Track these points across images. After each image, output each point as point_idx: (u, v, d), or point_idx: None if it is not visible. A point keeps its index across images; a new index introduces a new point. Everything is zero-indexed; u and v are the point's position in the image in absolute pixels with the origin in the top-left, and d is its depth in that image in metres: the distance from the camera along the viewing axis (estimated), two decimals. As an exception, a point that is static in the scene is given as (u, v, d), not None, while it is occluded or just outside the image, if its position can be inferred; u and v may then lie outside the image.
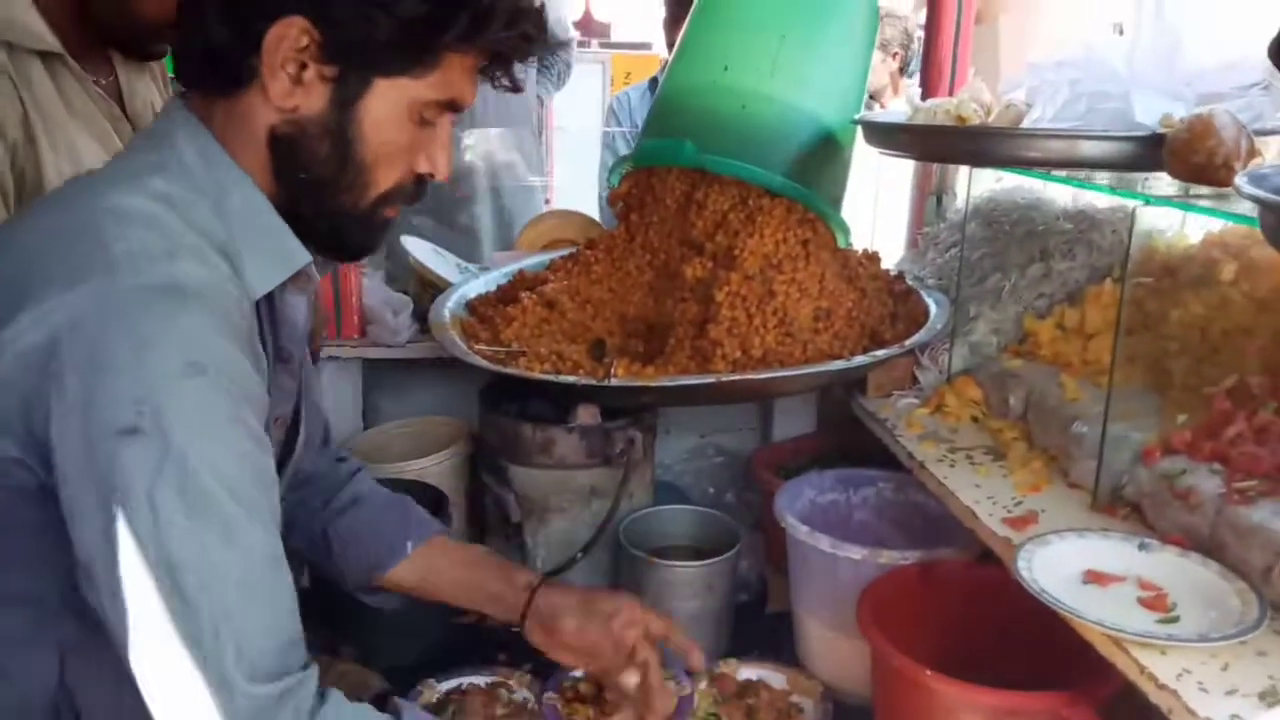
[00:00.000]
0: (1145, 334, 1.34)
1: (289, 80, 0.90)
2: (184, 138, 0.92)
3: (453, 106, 0.96)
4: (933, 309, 1.63)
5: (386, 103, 0.92)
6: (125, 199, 0.87)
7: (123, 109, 1.53)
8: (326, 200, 0.95)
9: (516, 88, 1.01)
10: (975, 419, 1.49)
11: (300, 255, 0.97)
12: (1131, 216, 1.19)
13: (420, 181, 0.99)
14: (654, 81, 2.97)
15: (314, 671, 0.87)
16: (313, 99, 0.91)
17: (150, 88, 1.60)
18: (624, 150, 2.92)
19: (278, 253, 0.95)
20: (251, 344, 0.90)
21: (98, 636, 0.84)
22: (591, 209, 2.82)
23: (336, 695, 0.89)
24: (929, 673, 1.11)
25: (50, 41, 1.39)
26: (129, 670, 0.82)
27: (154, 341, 0.80)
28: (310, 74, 0.90)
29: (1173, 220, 1.53)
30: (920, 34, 3.21)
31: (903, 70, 3.21)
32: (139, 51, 1.53)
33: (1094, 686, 1.05)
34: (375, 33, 0.89)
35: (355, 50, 0.90)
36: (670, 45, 2.85)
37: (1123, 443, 1.18)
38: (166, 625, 0.79)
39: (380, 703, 1.40)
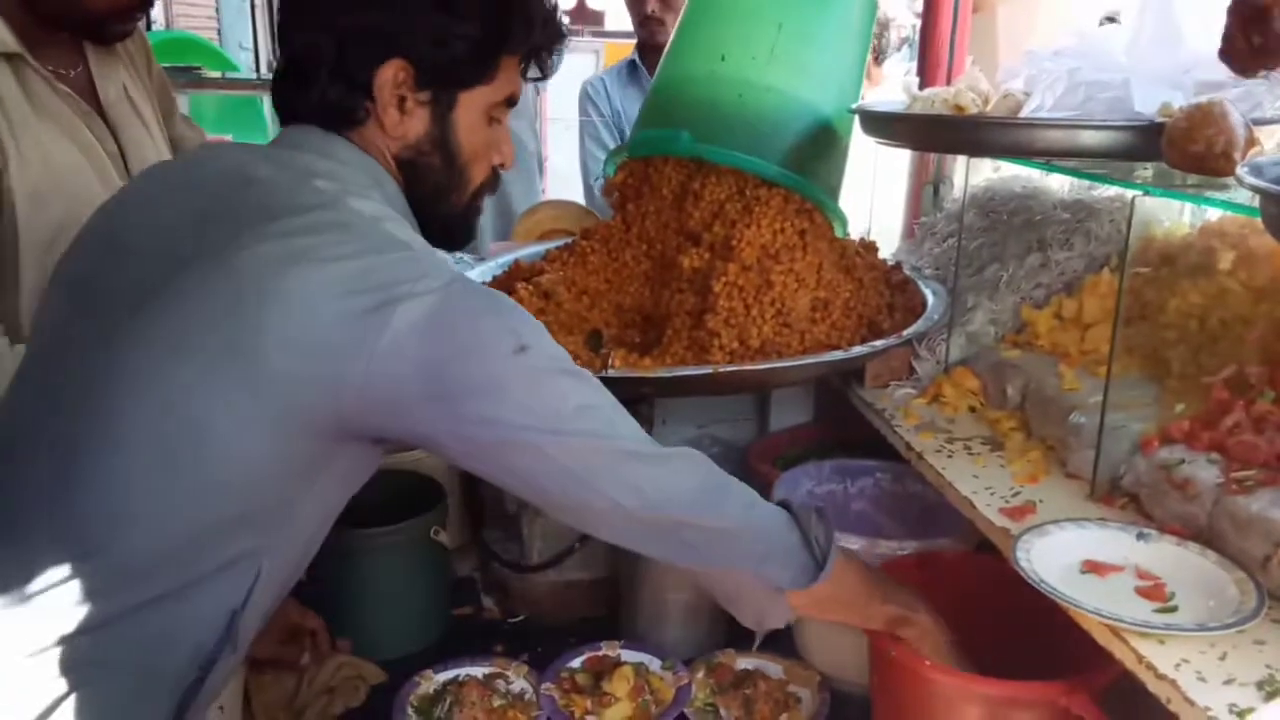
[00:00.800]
0: (1143, 324, 1.34)
1: (397, 112, 1.08)
2: (340, 148, 1.08)
3: (510, 102, 1.15)
4: (930, 299, 1.63)
5: (470, 111, 1.12)
6: (369, 204, 1.03)
7: (96, 100, 1.51)
8: (441, 204, 1.15)
9: (547, 76, 1.21)
10: (973, 409, 1.49)
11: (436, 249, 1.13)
12: (1130, 206, 1.19)
13: (495, 173, 1.18)
14: (631, 65, 2.92)
15: None
16: (417, 123, 1.10)
17: (123, 72, 1.58)
18: (607, 139, 2.88)
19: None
20: None
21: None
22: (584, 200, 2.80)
23: None
24: (927, 663, 1.12)
25: (8, 42, 1.37)
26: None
27: (491, 294, 1.04)
28: (410, 103, 1.08)
29: (1172, 210, 1.53)
30: (894, 21, 3.19)
31: (877, 59, 3.18)
32: (100, 37, 1.51)
33: (1091, 676, 1.05)
34: (454, 55, 1.07)
35: (441, 73, 1.08)
36: (635, 18, 2.82)
37: (1121, 432, 1.18)
38: (619, 444, 1.05)
39: (377, 693, 1.41)
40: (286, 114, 1.11)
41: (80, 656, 0.92)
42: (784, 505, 1.16)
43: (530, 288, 1.70)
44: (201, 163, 1.15)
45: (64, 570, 0.92)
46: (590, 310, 1.71)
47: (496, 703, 1.38)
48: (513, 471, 1.05)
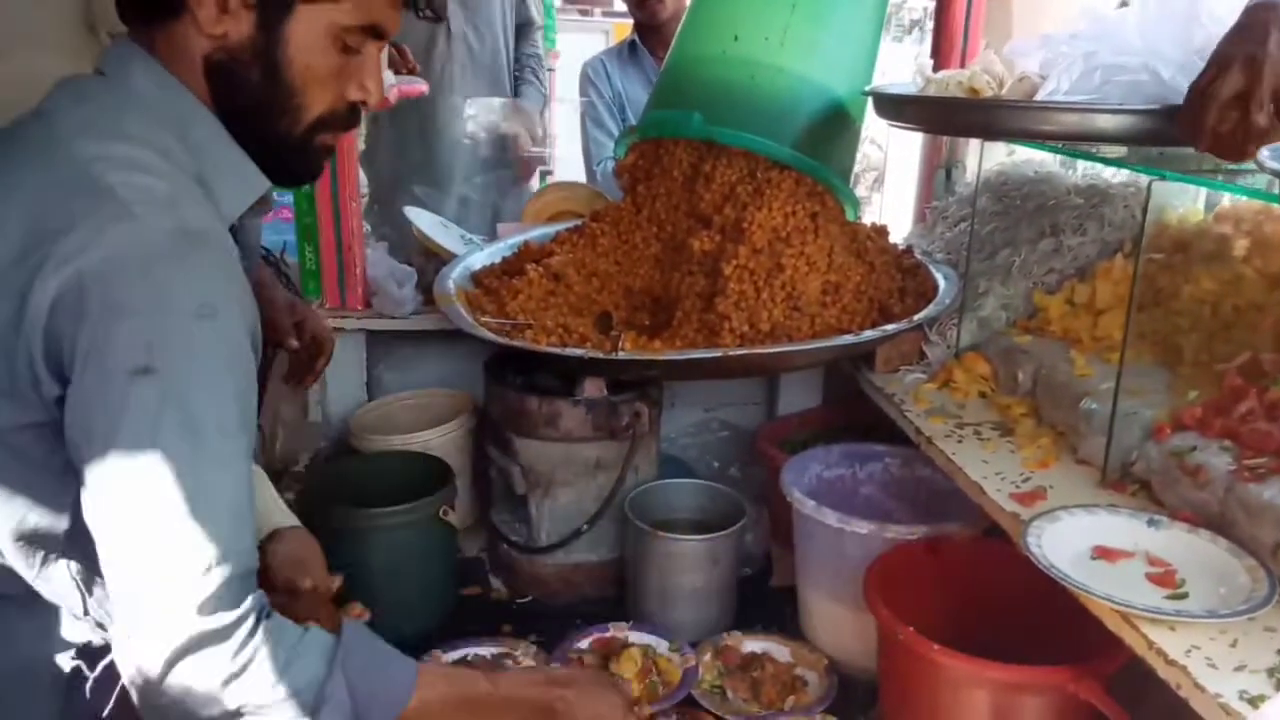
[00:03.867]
0: (1156, 310, 1.34)
1: (215, 8, 0.92)
2: (138, 72, 0.94)
3: (375, 33, 0.99)
4: (941, 284, 1.62)
5: (309, 27, 0.95)
6: (111, 146, 0.89)
7: None
8: (263, 126, 0.98)
9: (439, 17, 1.03)
10: (983, 394, 1.49)
11: (261, 180, 1.00)
12: (1147, 191, 1.18)
13: (354, 109, 1.01)
14: (632, 45, 2.89)
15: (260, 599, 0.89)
16: (240, 25, 0.94)
17: None
18: (608, 120, 2.86)
19: (242, 178, 0.99)
20: (243, 279, 0.94)
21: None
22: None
23: (278, 620, 0.90)
24: (936, 647, 1.12)
25: None
26: None
27: (170, 285, 0.85)
28: (234, 1, 0.93)
29: (1186, 196, 1.52)
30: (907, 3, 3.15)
31: None
32: None
33: (1101, 662, 1.05)
34: None
35: None
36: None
37: (1132, 419, 1.18)
38: (154, 541, 0.83)
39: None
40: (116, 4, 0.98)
41: None
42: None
43: (540, 269, 1.70)
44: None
45: None
46: (600, 292, 1.71)
47: (504, 683, 1.39)
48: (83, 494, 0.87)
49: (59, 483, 0.90)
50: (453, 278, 1.75)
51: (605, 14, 5.62)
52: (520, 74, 3.02)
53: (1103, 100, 1.24)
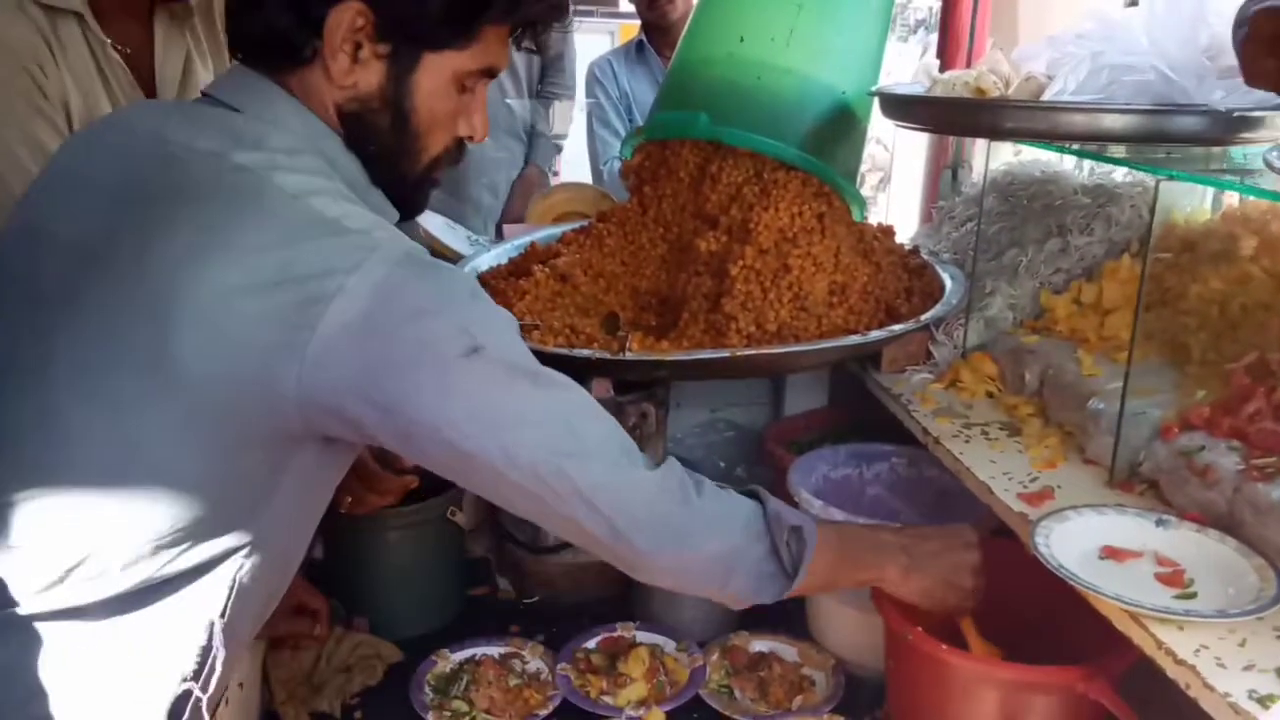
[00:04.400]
0: (1164, 309, 1.34)
1: (348, 59, 0.97)
2: (289, 113, 0.98)
3: (489, 73, 1.05)
4: (948, 284, 1.62)
5: (435, 75, 1.00)
6: (309, 180, 0.94)
7: (152, 77, 1.52)
8: (389, 167, 1.04)
9: (540, 50, 1.12)
10: (990, 394, 1.49)
11: (392, 212, 1.06)
12: (1154, 191, 1.18)
13: (460, 144, 1.08)
14: (639, 45, 2.89)
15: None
16: (370, 75, 0.98)
17: (189, 45, 1.58)
18: (615, 121, 2.86)
19: (379, 210, 1.03)
20: None
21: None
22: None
23: (707, 480, 1.08)
24: (944, 647, 1.12)
25: (74, 1, 1.39)
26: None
27: (439, 280, 0.93)
28: (366, 52, 0.97)
29: (1194, 195, 1.52)
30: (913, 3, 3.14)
31: None
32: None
33: (1110, 662, 1.05)
34: (424, 12, 0.97)
35: (406, 28, 0.97)
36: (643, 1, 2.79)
37: (1140, 419, 1.18)
38: (574, 464, 0.96)
39: (394, 671, 1.42)
40: (234, 38, 1.03)
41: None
42: (758, 497, 1.10)
43: (546, 270, 1.70)
44: (127, 127, 1.04)
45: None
46: (606, 293, 1.71)
47: (513, 682, 1.39)
48: (468, 480, 0.99)
49: (260, 489, 0.96)
50: (459, 279, 1.75)
51: (609, 14, 5.61)
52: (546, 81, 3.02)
53: (1110, 100, 1.24)
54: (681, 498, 1.03)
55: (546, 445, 0.95)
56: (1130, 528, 1.08)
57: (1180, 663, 0.88)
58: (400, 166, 1.04)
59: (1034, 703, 1.12)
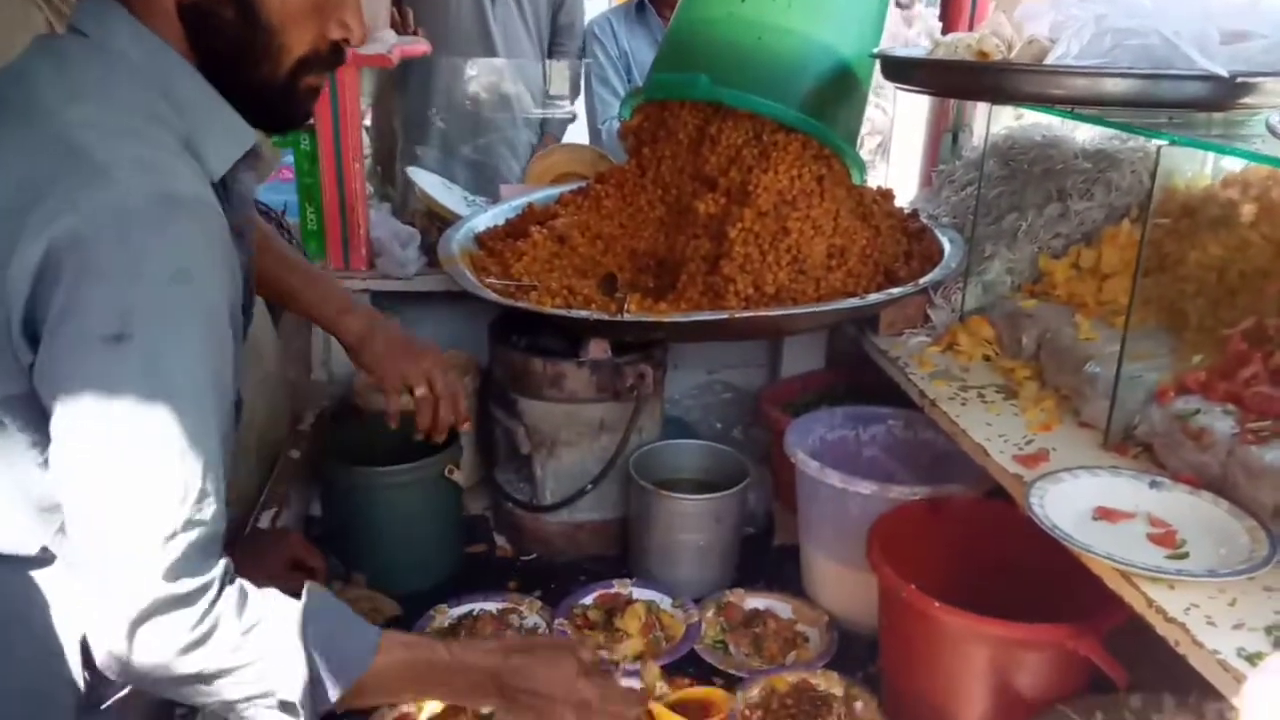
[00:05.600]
0: (1162, 275, 1.34)
1: None
2: (117, 30, 0.92)
3: None
4: (947, 247, 1.62)
5: None
6: (94, 111, 0.87)
7: None
8: (246, 72, 0.96)
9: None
10: (987, 358, 1.50)
11: (248, 132, 0.98)
12: (1156, 156, 1.18)
13: (337, 49, 0.99)
14: (639, 4, 2.85)
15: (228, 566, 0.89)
16: None
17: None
18: (614, 80, 2.84)
19: (229, 132, 0.97)
20: (227, 245, 0.92)
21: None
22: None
23: (242, 586, 0.90)
24: (937, 604, 1.13)
25: None
26: None
27: (146, 251, 0.83)
28: None
29: (1194, 161, 1.52)
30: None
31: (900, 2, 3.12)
32: None
33: (1100, 619, 1.07)
34: None
35: None
36: None
37: (1136, 383, 1.19)
38: (120, 504, 0.83)
39: (393, 626, 1.44)
40: None
41: None
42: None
43: (544, 231, 1.70)
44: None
45: None
46: (604, 254, 1.71)
47: (510, 637, 1.41)
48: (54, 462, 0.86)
49: (42, 455, 0.88)
50: (456, 239, 1.75)
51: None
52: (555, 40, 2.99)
53: (1113, 64, 1.24)
54: (201, 634, 0.85)
55: (106, 471, 0.83)
56: (1124, 489, 1.09)
57: (1170, 620, 0.89)
58: (259, 70, 0.95)
59: (1024, 659, 1.14)
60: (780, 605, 1.49)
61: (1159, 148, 1.17)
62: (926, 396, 1.40)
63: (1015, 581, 1.22)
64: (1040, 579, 1.17)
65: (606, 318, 1.46)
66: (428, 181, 2.07)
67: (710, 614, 1.47)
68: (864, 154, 1.75)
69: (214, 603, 0.86)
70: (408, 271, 1.82)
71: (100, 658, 0.86)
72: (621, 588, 1.51)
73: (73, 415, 0.82)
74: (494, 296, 1.54)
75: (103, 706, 0.97)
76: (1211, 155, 1.50)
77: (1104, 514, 1.06)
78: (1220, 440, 1.08)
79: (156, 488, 0.83)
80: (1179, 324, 1.29)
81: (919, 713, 1.21)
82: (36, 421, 0.87)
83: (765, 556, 1.64)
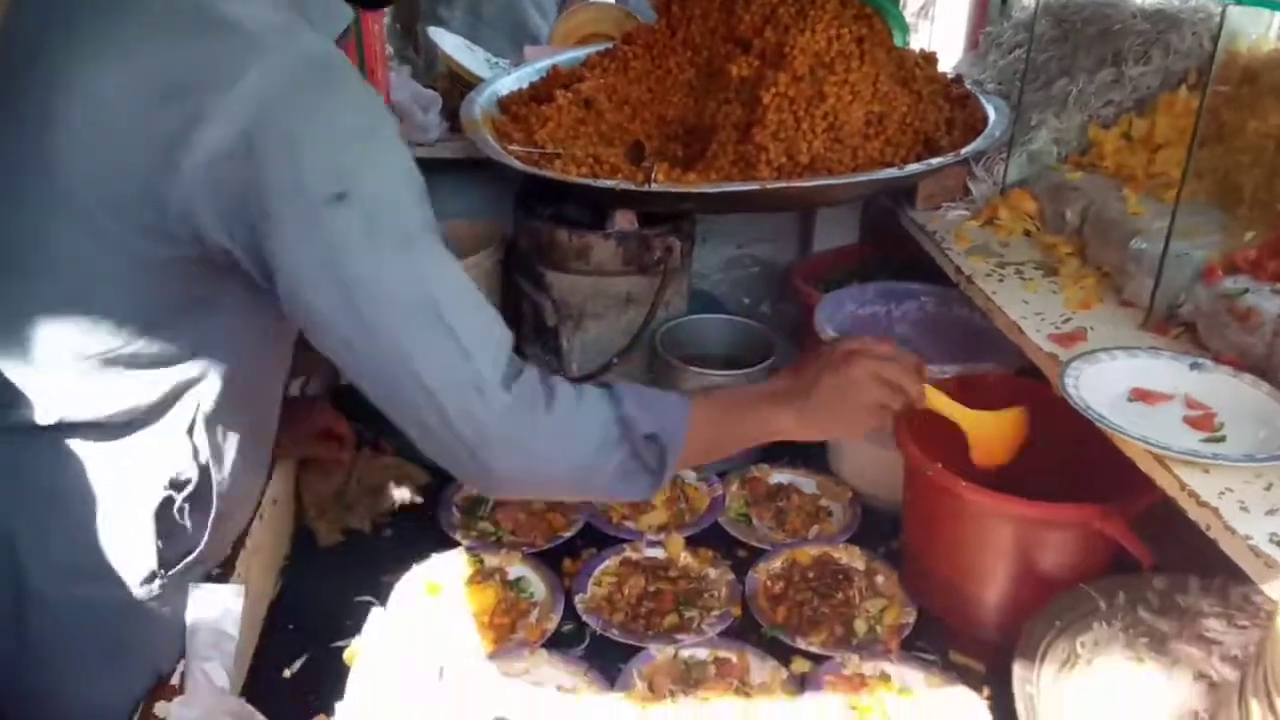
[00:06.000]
0: (1218, 146, 1.27)
1: None
2: None
3: None
4: (991, 115, 1.55)
5: None
6: None
7: None
8: None
9: None
10: (1028, 233, 1.45)
11: (345, 7, 0.97)
12: (1220, 17, 1.10)
13: None
14: None
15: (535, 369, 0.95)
16: None
17: None
18: None
19: (331, 5, 0.96)
20: None
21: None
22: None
23: (562, 386, 0.95)
24: (963, 483, 1.13)
25: None
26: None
27: (331, 110, 0.84)
28: None
29: (1260, 22, 1.42)
30: None
31: None
32: None
33: (1128, 501, 1.06)
34: None
35: None
36: None
37: (1183, 260, 1.14)
38: (429, 348, 0.86)
39: (423, 494, 1.46)
40: None
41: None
42: (616, 395, 0.97)
43: (569, 96, 1.63)
44: None
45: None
46: (632, 121, 1.65)
47: (536, 505, 1.43)
48: (322, 342, 0.89)
49: (187, 312, 0.92)
50: (479, 103, 1.69)
51: None
52: None
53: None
54: (531, 420, 0.91)
55: (405, 325, 0.86)
56: (1162, 371, 1.06)
57: (1203, 505, 0.88)
58: None
59: (1049, 539, 1.14)
60: (804, 480, 1.50)
61: (1224, 7, 1.09)
62: (962, 272, 1.36)
63: (1044, 462, 1.21)
64: (1070, 460, 1.15)
65: (633, 188, 1.42)
66: (450, 43, 1.99)
67: (735, 488, 1.48)
68: (907, 15, 1.65)
69: (543, 381, 0.92)
70: (429, 137, 1.77)
71: (473, 488, 1.00)
72: (646, 460, 1.51)
73: (337, 282, 0.83)
74: (517, 164, 1.49)
75: (170, 572, 1.01)
76: (1278, 17, 1.40)
77: (1140, 395, 1.04)
78: (1268, 321, 1.03)
79: (464, 313, 0.87)
80: (1232, 199, 1.23)
81: (940, 589, 1.23)
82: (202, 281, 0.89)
83: (791, 432, 1.64)
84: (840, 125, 1.47)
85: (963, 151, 1.46)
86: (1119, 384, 1.05)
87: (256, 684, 1.16)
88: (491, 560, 1.31)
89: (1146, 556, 1.05)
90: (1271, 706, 0.76)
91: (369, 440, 1.53)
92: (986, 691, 1.12)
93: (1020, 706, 0.99)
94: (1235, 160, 1.25)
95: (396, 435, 1.51)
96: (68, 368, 0.91)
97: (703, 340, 1.63)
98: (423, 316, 0.86)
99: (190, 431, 0.99)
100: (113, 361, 0.91)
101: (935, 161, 1.45)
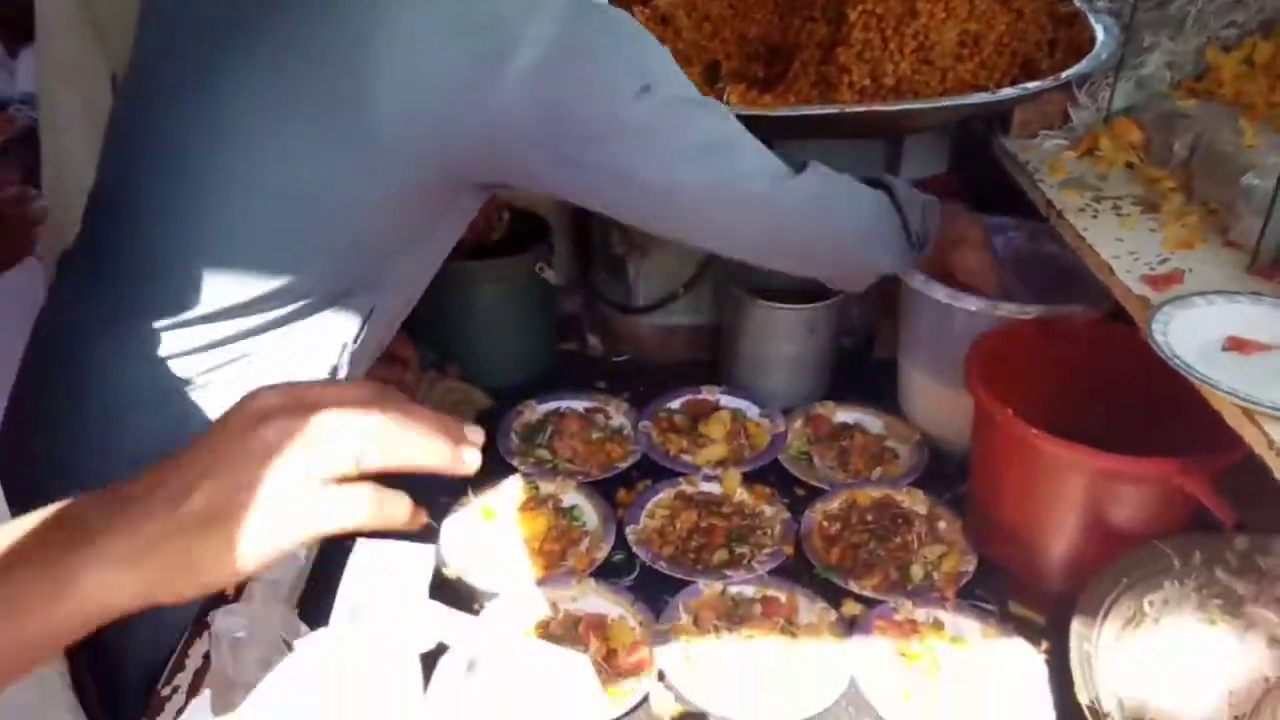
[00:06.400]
0: (1354, 71, 1.14)
1: None
2: None
3: None
4: (1099, 36, 1.42)
5: None
6: None
7: None
8: None
9: None
10: (1130, 165, 1.33)
11: None
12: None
13: None
14: None
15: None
16: None
17: None
18: None
19: None
20: None
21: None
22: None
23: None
24: (1034, 431, 1.06)
25: None
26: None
27: (605, 21, 0.98)
28: None
29: None
30: None
31: None
32: None
33: (1212, 457, 0.98)
34: None
35: None
36: None
37: (1300, 198, 1.03)
38: (747, 180, 1.08)
39: (483, 417, 1.47)
40: None
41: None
42: (886, 187, 1.22)
43: (648, 11, 1.57)
44: None
45: (186, 313, 0.98)
46: (711, 39, 1.58)
47: (595, 435, 1.42)
48: (630, 210, 1.09)
49: (398, 249, 1.04)
50: (555, 20, 1.64)
51: None
52: None
53: None
54: (820, 185, 1.15)
55: (717, 168, 1.04)
56: (1263, 318, 0.97)
57: (1293, 464, 0.80)
58: None
59: (1125, 493, 1.07)
60: (871, 420, 1.45)
61: (1376, -92, 0.96)
62: (1053, 206, 1.26)
63: (1126, 411, 1.13)
64: (1156, 409, 1.07)
65: (704, 110, 1.36)
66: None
67: (797, 425, 1.44)
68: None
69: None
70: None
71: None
72: (709, 394, 1.48)
73: (664, 157, 1.00)
74: (589, 85, 1.45)
75: None
76: None
77: (1236, 344, 0.95)
78: (1391, 267, 0.93)
79: (759, 147, 1.10)
80: (1365, 130, 1.10)
81: (1005, 537, 1.17)
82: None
83: (862, 370, 1.58)
84: (931, 45, 1.38)
85: (1064, 75, 1.35)
86: (1214, 331, 0.97)
87: (308, 597, 1.18)
88: (546, 487, 1.31)
89: (1229, 515, 0.97)
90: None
91: (433, 363, 1.53)
92: (1045, 645, 1.07)
93: (1075, 661, 0.94)
94: (1373, 87, 1.12)
95: (461, 359, 1.55)
96: (288, 301, 0.99)
97: (772, 272, 1.57)
98: (732, 162, 1.06)
99: (335, 368, 1.05)
100: (324, 299, 1.01)
101: (1032, 86, 1.34)
